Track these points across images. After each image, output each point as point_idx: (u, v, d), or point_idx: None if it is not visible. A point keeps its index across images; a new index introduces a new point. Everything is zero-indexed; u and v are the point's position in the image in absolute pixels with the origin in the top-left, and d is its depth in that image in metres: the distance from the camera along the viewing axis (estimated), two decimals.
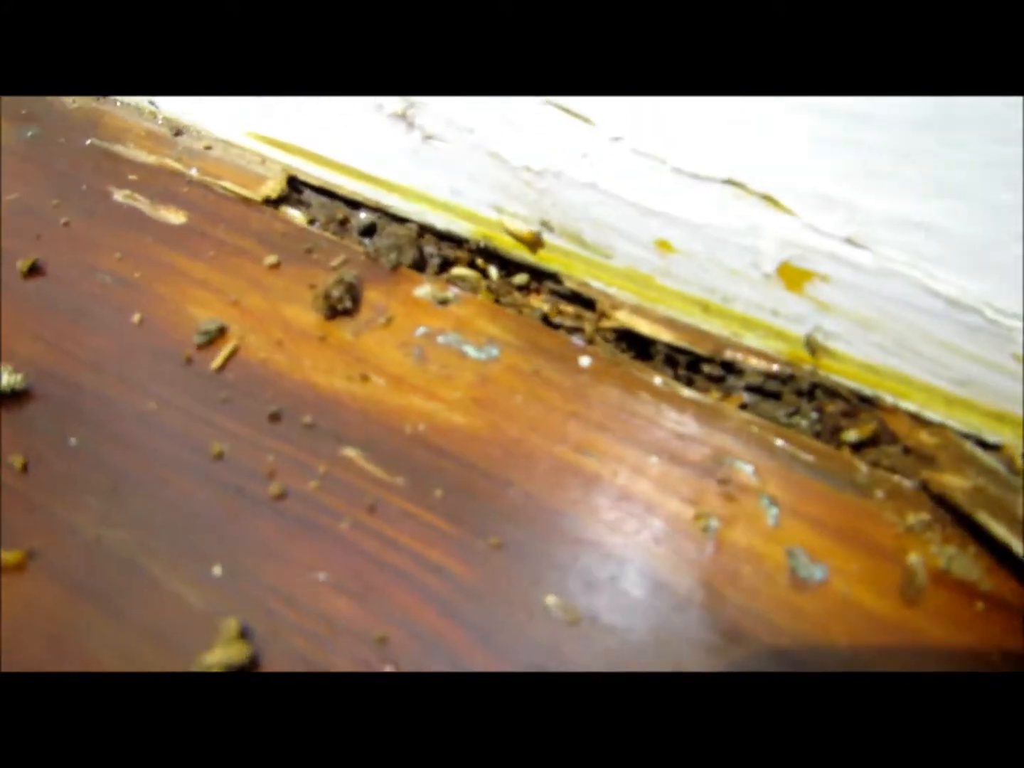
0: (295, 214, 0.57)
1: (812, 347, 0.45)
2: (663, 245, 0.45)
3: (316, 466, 0.43)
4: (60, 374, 0.47)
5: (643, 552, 0.39)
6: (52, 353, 0.48)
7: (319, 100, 0.54)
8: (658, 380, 0.46)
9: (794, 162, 0.38)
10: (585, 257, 0.50)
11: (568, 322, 0.54)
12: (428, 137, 0.50)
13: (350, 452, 0.43)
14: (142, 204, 0.56)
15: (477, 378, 0.46)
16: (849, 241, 0.39)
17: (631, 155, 0.42)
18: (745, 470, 0.42)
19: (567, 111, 0.43)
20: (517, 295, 0.56)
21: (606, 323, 0.50)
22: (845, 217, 0.38)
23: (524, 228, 0.49)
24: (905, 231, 0.38)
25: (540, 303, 0.55)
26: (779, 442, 0.43)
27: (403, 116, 0.49)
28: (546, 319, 0.54)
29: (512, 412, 0.45)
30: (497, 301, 0.55)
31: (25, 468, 0.43)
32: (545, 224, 0.50)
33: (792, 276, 0.42)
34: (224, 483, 0.42)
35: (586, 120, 0.43)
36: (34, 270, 0.52)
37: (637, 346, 0.51)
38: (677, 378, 0.51)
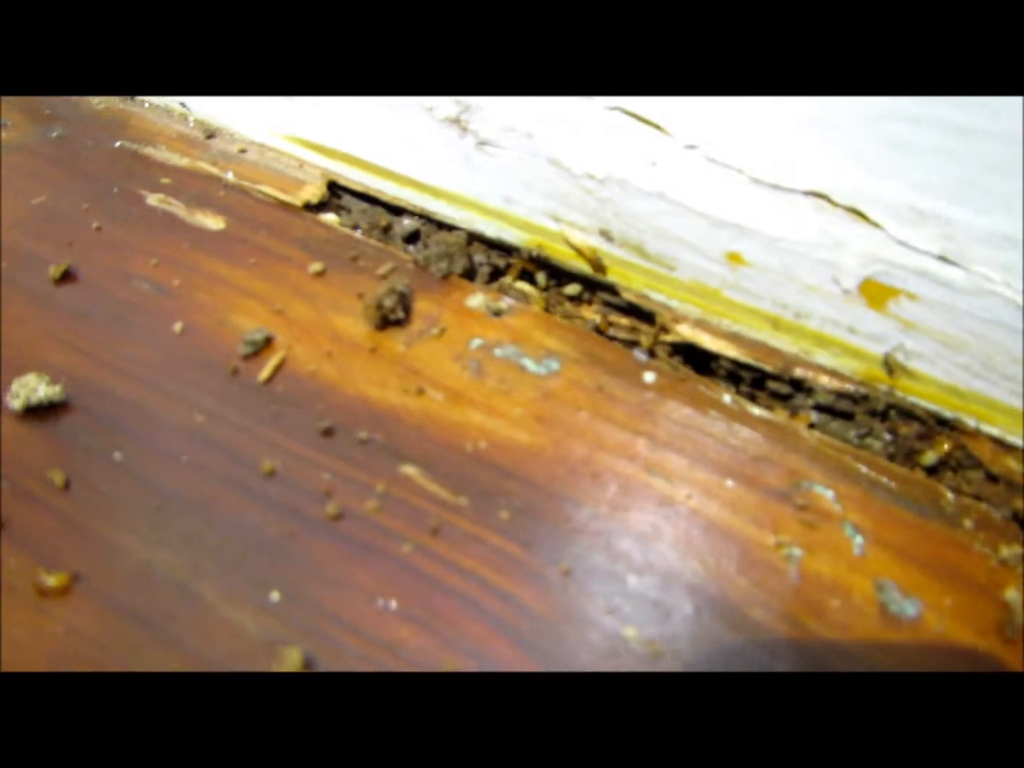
0: (336, 220, 0.55)
1: (890, 367, 0.43)
2: (734, 258, 0.44)
3: (374, 485, 0.40)
4: (99, 385, 0.44)
5: (723, 582, 0.37)
6: (89, 363, 0.45)
7: (360, 102, 0.52)
8: (727, 398, 0.44)
9: (884, 173, 0.36)
10: (646, 268, 0.48)
11: (622, 335, 0.52)
12: (482, 143, 0.48)
13: (409, 470, 0.41)
14: (177, 208, 0.54)
15: (538, 394, 0.44)
16: (941, 258, 0.37)
17: (705, 164, 0.41)
18: (825, 495, 0.40)
19: (637, 117, 0.41)
20: (568, 305, 0.54)
21: (666, 337, 0.48)
22: (937, 232, 0.37)
23: (586, 241, 0.47)
24: (1001, 248, 0.36)
25: (592, 314, 0.53)
26: (858, 466, 0.41)
27: (456, 121, 0.48)
28: (598, 331, 0.52)
29: (576, 430, 0.43)
30: (547, 311, 0.53)
31: (67, 485, 0.40)
32: (604, 234, 0.48)
33: (875, 293, 0.40)
34: (278, 503, 0.40)
35: (658, 127, 0.41)
36: (67, 276, 0.50)
37: (697, 361, 0.49)
38: (740, 395, 0.49)
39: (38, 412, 0.43)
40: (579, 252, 0.49)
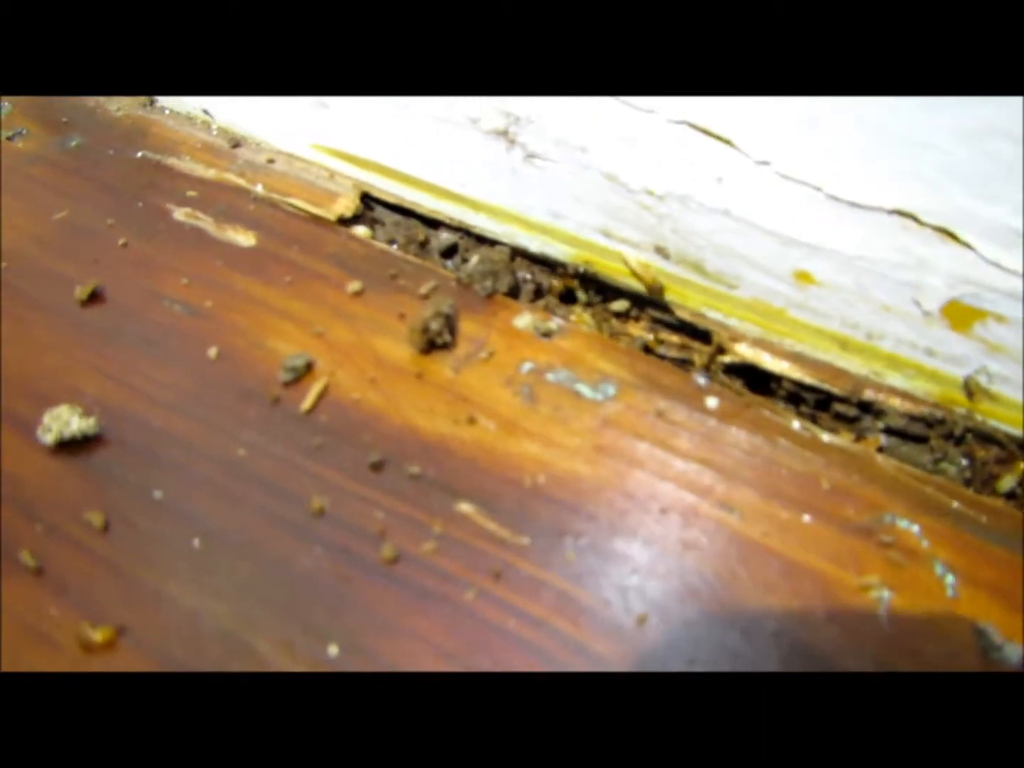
0: (370, 234, 0.52)
1: (971, 389, 0.41)
2: (803, 277, 0.41)
3: (430, 524, 0.38)
4: (134, 416, 0.42)
5: (810, 629, 0.35)
6: (123, 391, 0.43)
7: (395, 111, 0.49)
8: (796, 424, 0.42)
9: (981, 193, 0.34)
10: (703, 286, 0.46)
11: (673, 353, 0.50)
12: (531, 156, 0.45)
13: (465, 507, 0.39)
14: (206, 223, 0.51)
15: (596, 421, 0.42)
16: None
17: (778, 180, 0.38)
18: (910, 530, 0.38)
19: (705, 132, 0.39)
20: (615, 322, 0.51)
21: (724, 357, 0.46)
22: None
23: (645, 262, 0.45)
24: None
25: (640, 331, 0.51)
26: (942, 496, 0.39)
27: (504, 133, 0.45)
28: (646, 349, 0.50)
29: (639, 460, 0.41)
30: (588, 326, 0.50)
31: (106, 527, 0.38)
32: (660, 250, 0.45)
33: (960, 315, 0.38)
34: (329, 544, 0.38)
35: (728, 142, 0.39)
36: (94, 297, 0.47)
37: (755, 381, 0.47)
38: (801, 416, 0.47)
39: (71, 447, 0.41)
40: (636, 274, 0.46)
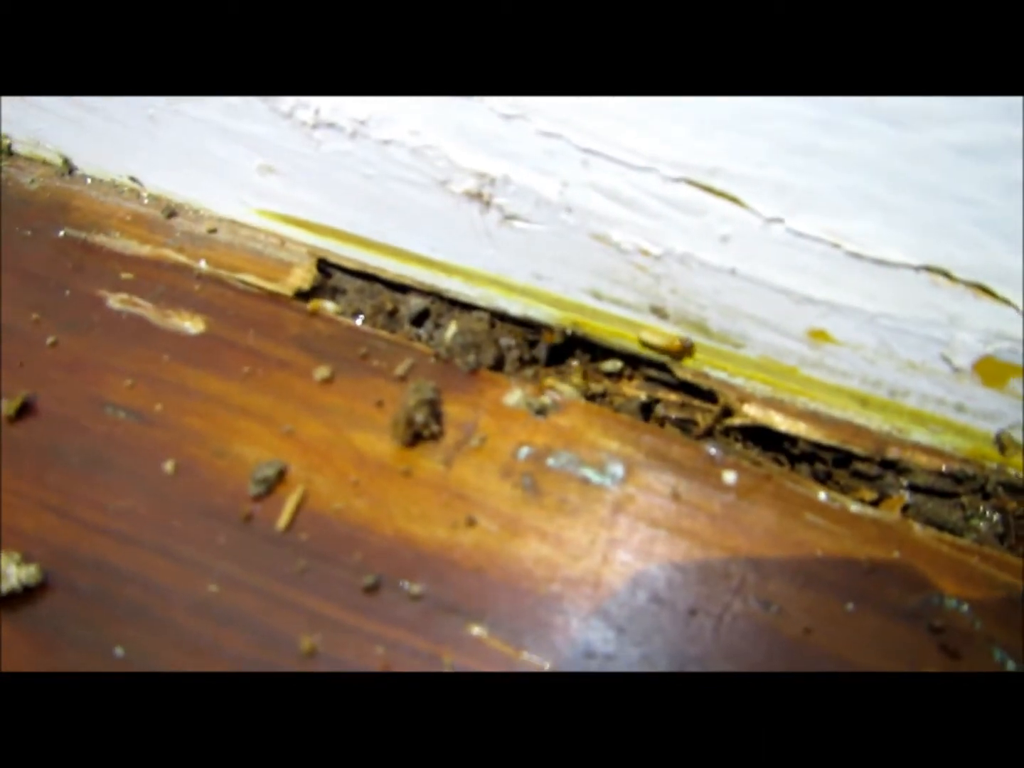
0: (334, 308, 0.48)
1: (1003, 444, 0.38)
2: (819, 335, 0.38)
3: (439, 655, 0.34)
4: (84, 554, 0.37)
5: None
6: (68, 526, 0.38)
7: (351, 174, 0.44)
8: (822, 495, 0.39)
9: (1019, 246, 0.31)
10: (706, 346, 0.42)
11: (674, 413, 0.46)
12: (509, 218, 0.41)
13: (476, 630, 0.35)
14: (146, 310, 0.46)
15: (607, 510, 0.38)
16: None
17: (791, 239, 0.35)
18: (960, 611, 0.35)
19: (708, 189, 0.35)
20: (608, 383, 0.48)
21: (732, 420, 0.43)
22: None
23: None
24: None
25: (635, 391, 0.47)
26: (987, 568, 0.36)
27: (477, 195, 0.41)
28: (644, 410, 0.46)
29: (659, 554, 0.37)
30: (581, 391, 0.47)
31: None
32: (657, 311, 0.42)
33: (993, 371, 0.35)
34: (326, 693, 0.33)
35: (734, 199, 0.35)
36: (24, 410, 0.42)
37: (766, 441, 0.44)
38: (823, 483, 0.44)
39: (11, 602, 0.35)
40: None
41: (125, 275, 0.48)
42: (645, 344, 0.43)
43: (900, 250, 0.33)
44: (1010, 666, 0.33)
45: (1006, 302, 0.33)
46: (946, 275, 0.33)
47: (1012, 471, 0.39)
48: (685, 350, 0.42)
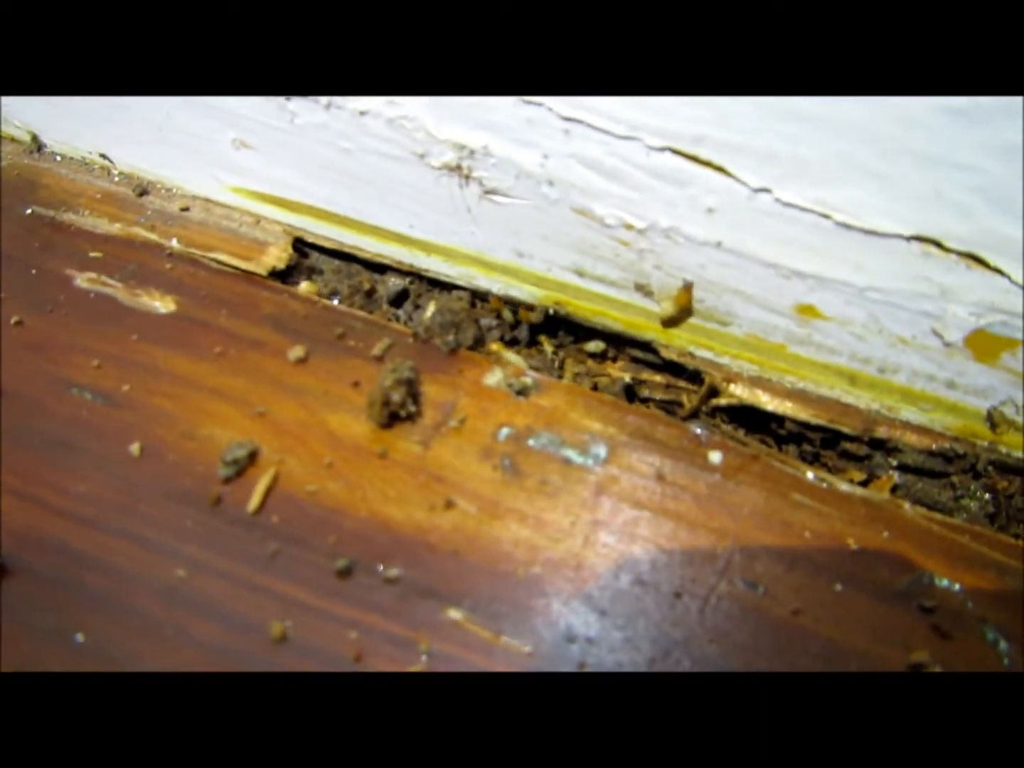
0: (310, 287, 0.46)
1: (995, 421, 0.37)
2: (807, 311, 0.37)
3: (415, 640, 0.33)
4: (45, 538, 0.35)
5: None
6: (29, 509, 0.36)
7: (327, 148, 0.43)
8: (810, 475, 0.37)
9: (1014, 213, 0.30)
10: (691, 324, 0.41)
11: (658, 395, 0.45)
12: (489, 192, 0.40)
13: (454, 614, 0.33)
14: (115, 289, 0.44)
15: (589, 492, 0.37)
16: None
17: (779, 209, 0.34)
18: (952, 590, 0.34)
19: (693, 158, 0.34)
20: (592, 364, 0.46)
21: (719, 400, 0.42)
22: None
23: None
24: None
25: (619, 373, 0.46)
26: (979, 548, 0.35)
27: (456, 168, 0.39)
28: (628, 391, 0.45)
29: (643, 535, 0.36)
30: (563, 372, 0.45)
31: None
32: (641, 288, 0.41)
33: (986, 345, 0.34)
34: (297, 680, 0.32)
35: (719, 168, 0.34)
36: None
37: (752, 422, 0.43)
38: (803, 455, 0.43)
39: None
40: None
41: (94, 254, 0.46)
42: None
43: (891, 220, 0.32)
44: (1002, 646, 0.32)
45: (999, 272, 0.32)
46: (938, 245, 0.32)
47: (1003, 449, 0.38)
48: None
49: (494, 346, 0.44)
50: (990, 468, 0.38)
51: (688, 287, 0.39)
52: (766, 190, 0.33)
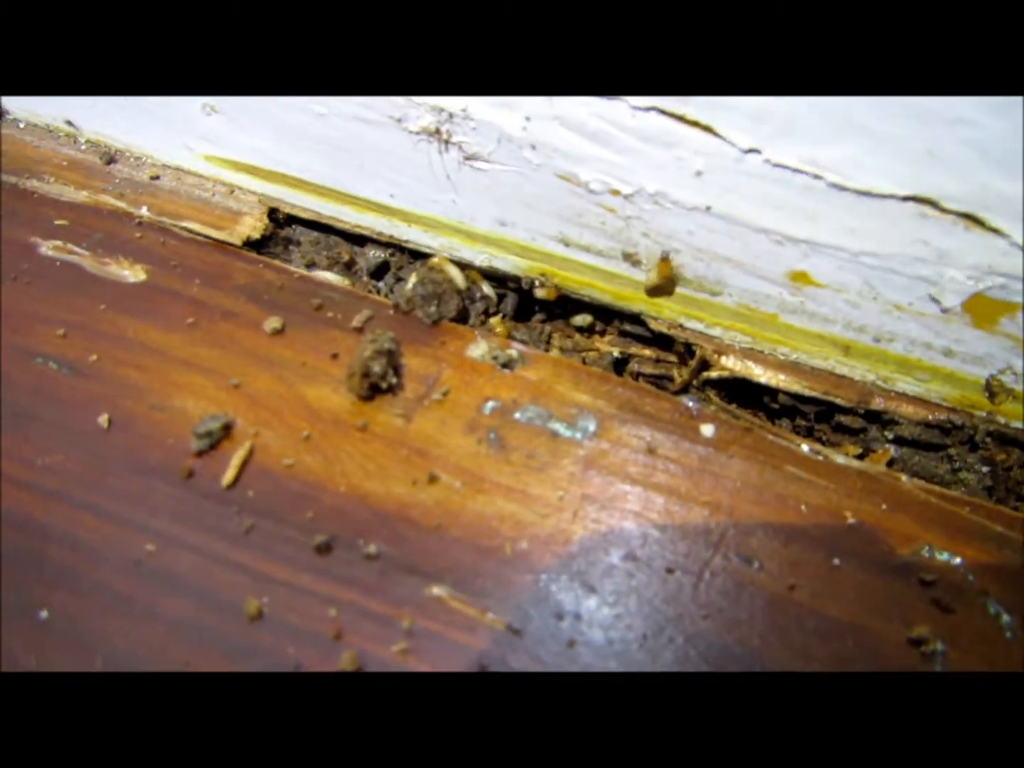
0: (285, 258, 0.45)
1: (993, 390, 0.36)
2: (800, 277, 0.36)
3: (397, 618, 0.31)
4: (7, 512, 0.34)
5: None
6: None
7: (301, 113, 0.41)
8: (805, 448, 0.36)
9: (1014, 170, 0.29)
10: (681, 295, 0.40)
11: (648, 369, 0.44)
12: (470, 158, 0.38)
13: (437, 591, 0.32)
14: (81, 258, 0.42)
15: (578, 466, 0.36)
16: None
17: (769, 171, 0.33)
18: (952, 563, 0.33)
19: (680, 118, 0.33)
20: (579, 338, 0.45)
21: (710, 373, 0.40)
22: None
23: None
24: None
25: (608, 347, 0.45)
26: (979, 520, 0.34)
27: (435, 132, 0.38)
28: (617, 366, 0.44)
29: (634, 510, 0.34)
30: (550, 346, 0.44)
31: None
32: (629, 257, 0.39)
33: (984, 310, 0.33)
34: (274, 659, 0.30)
35: (707, 128, 0.33)
36: None
37: (745, 396, 0.42)
38: (796, 430, 0.42)
39: None
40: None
41: (59, 222, 0.44)
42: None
43: (886, 179, 0.31)
44: (1005, 619, 0.31)
45: (998, 232, 0.31)
46: (935, 205, 0.31)
47: (1002, 420, 0.37)
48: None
49: (478, 319, 0.43)
50: (988, 440, 0.38)
51: (666, 258, 0.38)
52: (756, 151, 0.32)
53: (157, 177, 0.47)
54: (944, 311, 0.34)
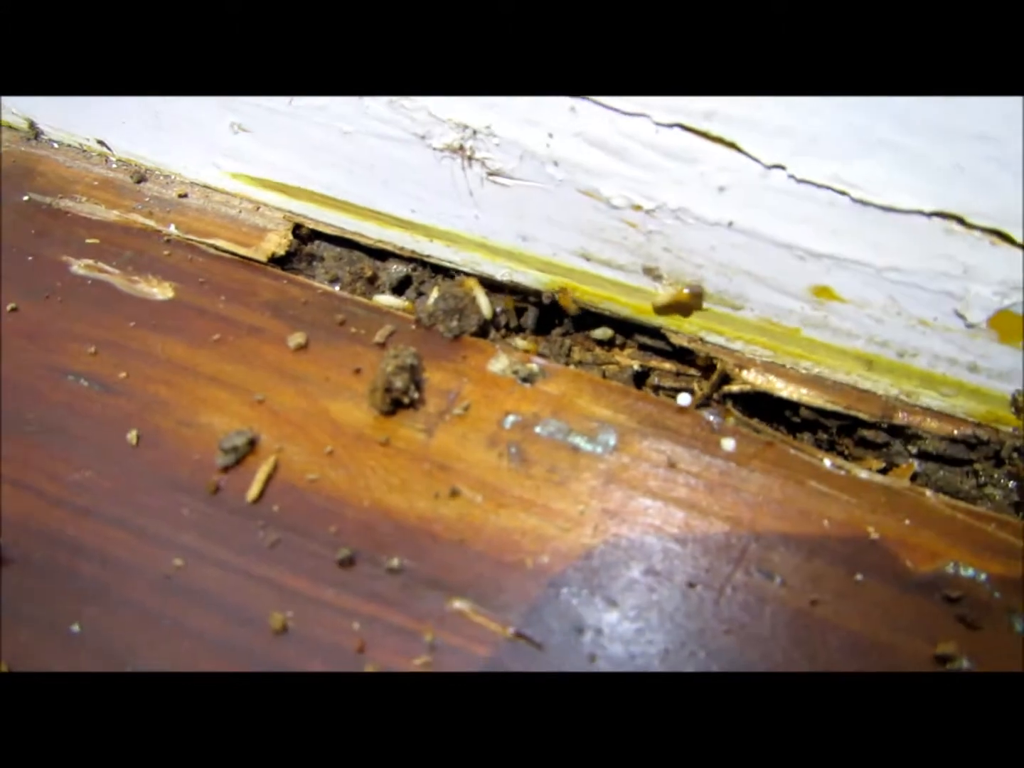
0: (309, 273, 0.45)
1: (1019, 406, 0.36)
2: (823, 292, 0.36)
3: (420, 632, 0.32)
4: (41, 527, 0.34)
5: None
6: (24, 497, 0.35)
7: (327, 131, 0.42)
8: (827, 462, 0.36)
9: None
10: (704, 309, 0.40)
11: (668, 383, 0.44)
12: (493, 174, 0.39)
13: (459, 605, 0.32)
14: (112, 276, 0.43)
15: (599, 480, 0.36)
16: None
17: (793, 187, 0.33)
18: (978, 580, 0.32)
19: (703, 134, 0.33)
20: (599, 351, 0.45)
21: (731, 387, 0.40)
22: None
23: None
24: None
25: (628, 360, 0.45)
26: (1005, 536, 0.34)
27: (459, 149, 0.38)
28: (638, 379, 0.44)
29: (655, 525, 0.35)
30: (570, 360, 0.44)
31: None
32: (650, 272, 0.39)
33: (1011, 326, 0.33)
34: (299, 673, 0.31)
35: (731, 145, 0.33)
36: None
37: (767, 410, 0.41)
38: (818, 444, 0.41)
39: None
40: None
41: (91, 240, 0.45)
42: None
43: (911, 195, 0.31)
44: None
45: None
46: (961, 221, 0.31)
47: None
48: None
49: (499, 333, 0.43)
50: (1015, 455, 0.37)
51: (698, 292, 0.38)
52: (780, 166, 0.32)
53: (185, 195, 0.48)
54: (970, 326, 0.34)
